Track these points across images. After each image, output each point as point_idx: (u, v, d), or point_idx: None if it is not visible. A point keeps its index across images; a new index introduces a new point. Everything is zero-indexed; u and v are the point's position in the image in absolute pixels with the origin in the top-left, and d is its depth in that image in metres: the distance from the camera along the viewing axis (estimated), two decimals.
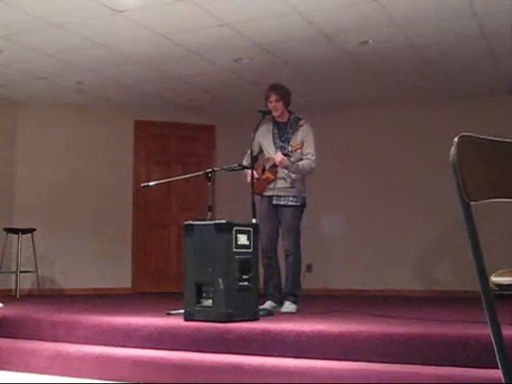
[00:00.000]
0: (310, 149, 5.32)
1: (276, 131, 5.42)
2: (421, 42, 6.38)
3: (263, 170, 5.36)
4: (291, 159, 5.21)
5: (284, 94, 5.39)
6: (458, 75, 7.49)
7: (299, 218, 5.36)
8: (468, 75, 7.48)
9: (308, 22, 5.87)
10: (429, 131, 8.45)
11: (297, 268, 5.32)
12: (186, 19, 5.84)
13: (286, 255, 5.31)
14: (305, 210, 5.41)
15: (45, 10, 5.57)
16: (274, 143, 5.37)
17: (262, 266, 5.27)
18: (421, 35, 6.20)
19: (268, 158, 5.36)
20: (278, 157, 5.19)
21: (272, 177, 5.30)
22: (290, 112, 5.46)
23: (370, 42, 6.40)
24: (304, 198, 5.38)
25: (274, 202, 5.33)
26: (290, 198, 5.30)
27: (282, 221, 5.33)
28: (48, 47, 6.55)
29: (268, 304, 5.20)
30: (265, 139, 5.44)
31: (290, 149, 5.22)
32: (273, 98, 5.34)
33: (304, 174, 5.37)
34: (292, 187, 5.30)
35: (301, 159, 5.28)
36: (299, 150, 5.22)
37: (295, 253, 5.28)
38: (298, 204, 5.32)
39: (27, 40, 6.32)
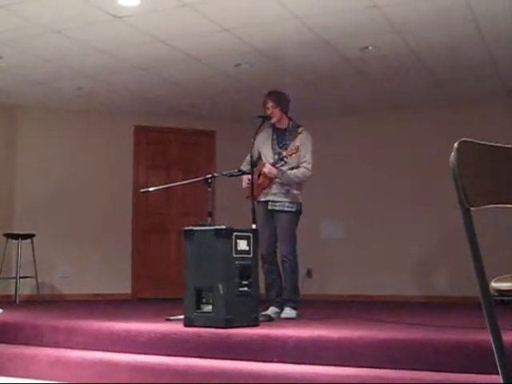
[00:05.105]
0: (307, 156, 5.31)
1: (275, 137, 5.42)
2: (420, 47, 6.39)
3: (259, 176, 5.36)
4: (286, 166, 5.22)
5: (281, 100, 5.38)
6: (458, 80, 7.49)
7: (295, 224, 5.35)
8: (468, 80, 7.48)
9: (308, 27, 5.88)
10: (429, 136, 8.45)
11: (294, 274, 5.30)
12: (185, 25, 5.85)
13: (283, 261, 5.29)
14: (300, 216, 5.39)
15: (45, 15, 5.58)
16: (273, 149, 5.38)
17: (263, 273, 5.26)
18: (420, 41, 6.21)
19: (264, 163, 5.36)
20: (266, 167, 5.21)
21: (266, 182, 5.30)
22: (289, 119, 5.45)
23: (370, 47, 6.41)
24: (300, 204, 5.36)
25: (270, 207, 5.31)
26: (286, 204, 5.28)
27: (278, 226, 5.31)
28: (48, 53, 6.55)
29: (271, 310, 5.19)
30: (264, 145, 5.44)
31: (285, 154, 5.22)
32: (269, 104, 5.34)
33: (297, 183, 5.35)
34: (287, 192, 5.29)
35: (298, 166, 5.28)
36: (294, 155, 5.22)
37: (292, 259, 5.26)
38: (294, 210, 5.30)
39: (27, 46, 6.32)
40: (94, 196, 8.85)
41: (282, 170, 5.23)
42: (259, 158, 5.48)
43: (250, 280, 4.41)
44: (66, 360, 4.11)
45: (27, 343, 4.56)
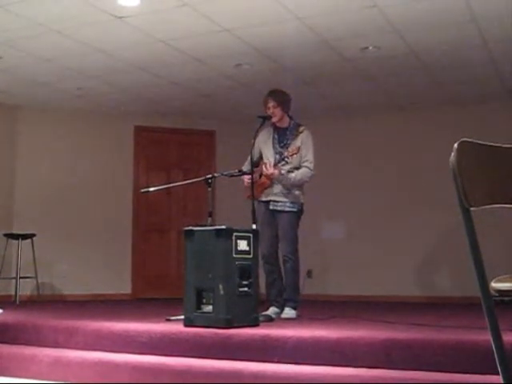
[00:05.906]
0: (308, 156, 5.30)
1: (276, 137, 5.41)
2: (421, 47, 6.39)
3: (260, 175, 5.35)
4: (288, 166, 5.21)
5: (282, 99, 5.37)
6: (458, 80, 7.49)
7: (296, 224, 5.34)
8: (468, 80, 7.48)
9: (308, 28, 5.88)
10: (429, 136, 8.46)
11: (295, 274, 5.30)
12: (186, 25, 5.85)
13: (284, 261, 5.29)
14: (302, 216, 5.39)
15: (44, 16, 5.58)
16: (274, 148, 5.37)
17: (264, 272, 5.26)
18: (421, 41, 6.21)
19: (266, 163, 5.35)
20: (269, 170, 5.19)
21: (268, 182, 5.29)
22: (290, 118, 5.45)
23: (370, 48, 6.41)
24: (302, 205, 5.36)
25: (271, 207, 5.31)
26: (288, 204, 5.28)
27: (280, 226, 5.31)
28: (48, 53, 6.55)
29: (271, 310, 5.19)
30: (265, 144, 5.43)
31: (286, 154, 5.21)
32: (271, 103, 5.33)
33: (299, 185, 5.35)
34: (289, 192, 5.28)
35: (299, 165, 5.28)
36: (295, 156, 5.21)
37: (293, 259, 5.26)
38: (295, 210, 5.30)
39: (27, 46, 6.32)
40: (94, 196, 8.85)
41: (283, 173, 5.22)
42: (261, 157, 5.47)
43: (250, 280, 4.40)
44: (66, 360, 4.11)
45: (27, 343, 4.55)
